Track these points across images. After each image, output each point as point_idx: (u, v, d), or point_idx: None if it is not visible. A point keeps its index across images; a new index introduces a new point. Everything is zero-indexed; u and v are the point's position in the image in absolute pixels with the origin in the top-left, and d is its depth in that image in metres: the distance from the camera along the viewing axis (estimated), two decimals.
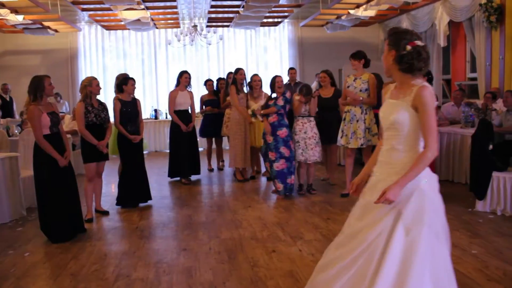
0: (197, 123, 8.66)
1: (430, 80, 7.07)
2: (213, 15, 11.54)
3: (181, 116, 7.71)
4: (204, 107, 8.99)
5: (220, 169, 9.13)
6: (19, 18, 9.91)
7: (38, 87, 4.90)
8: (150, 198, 6.52)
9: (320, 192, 6.74)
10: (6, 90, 11.33)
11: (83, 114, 5.64)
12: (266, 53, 14.24)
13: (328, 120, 7.11)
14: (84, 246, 4.78)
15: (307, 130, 6.77)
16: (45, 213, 4.99)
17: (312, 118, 6.81)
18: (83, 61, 13.25)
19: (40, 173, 4.97)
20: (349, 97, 6.31)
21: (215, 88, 9.16)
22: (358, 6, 10.57)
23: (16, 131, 8.67)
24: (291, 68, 9.93)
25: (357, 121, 6.21)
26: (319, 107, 6.99)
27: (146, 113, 13.03)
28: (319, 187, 7.00)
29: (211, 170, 9.07)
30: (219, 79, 9.45)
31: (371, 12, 10.72)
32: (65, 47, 13.16)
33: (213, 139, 9.12)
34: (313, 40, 14.01)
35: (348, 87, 6.32)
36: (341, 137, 6.38)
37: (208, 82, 9.17)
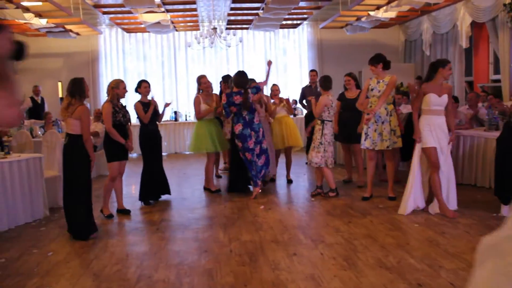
0: (183, 128, 8.58)
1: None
2: (232, 18, 11.57)
3: None
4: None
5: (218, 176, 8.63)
6: (43, 22, 10.08)
7: (81, 88, 5.09)
8: (169, 193, 6.84)
9: (341, 195, 6.69)
10: (38, 92, 11.47)
11: (111, 114, 5.80)
12: (286, 55, 14.22)
13: (353, 120, 7.08)
14: (106, 246, 4.81)
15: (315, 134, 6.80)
16: (88, 213, 5.13)
17: (318, 122, 6.72)
18: (103, 63, 13.41)
19: (85, 172, 5.10)
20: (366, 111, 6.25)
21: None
22: (378, 7, 10.49)
23: (39, 132, 8.80)
24: (312, 70, 9.86)
25: (382, 122, 6.14)
26: (343, 108, 6.98)
27: (165, 115, 13.12)
28: (340, 189, 6.94)
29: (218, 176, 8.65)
30: (221, 81, 8.91)
31: (391, 14, 10.63)
32: (86, 50, 13.34)
33: None
34: (333, 42, 13.95)
35: (372, 90, 6.23)
36: (365, 140, 6.27)
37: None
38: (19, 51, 1.68)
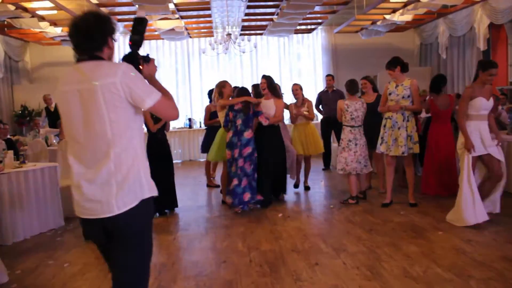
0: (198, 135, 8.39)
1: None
2: (246, 23, 11.51)
3: None
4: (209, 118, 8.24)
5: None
6: (58, 30, 10.12)
7: None
8: (176, 205, 6.55)
9: (361, 202, 6.54)
10: (49, 101, 11.47)
11: None
12: (300, 61, 14.12)
13: (372, 125, 6.93)
14: None
15: None
16: None
17: (342, 127, 6.62)
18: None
19: None
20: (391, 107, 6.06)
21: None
22: (394, 11, 10.36)
23: (54, 141, 8.78)
24: (328, 75, 9.74)
25: (399, 128, 5.98)
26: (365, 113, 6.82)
27: (179, 122, 13.12)
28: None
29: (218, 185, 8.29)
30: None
31: (407, 17, 10.49)
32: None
33: None
34: (347, 46, 13.82)
35: (390, 94, 6.09)
36: (381, 144, 6.16)
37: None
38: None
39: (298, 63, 14.13)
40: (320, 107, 9.59)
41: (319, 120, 12.98)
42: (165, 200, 6.30)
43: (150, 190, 2.31)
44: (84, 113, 2.20)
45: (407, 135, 5.98)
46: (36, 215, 5.61)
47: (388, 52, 13.87)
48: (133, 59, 2.38)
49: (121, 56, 2.44)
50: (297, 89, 7.54)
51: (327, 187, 7.84)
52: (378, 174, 7.20)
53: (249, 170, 6.25)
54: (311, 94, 13.73)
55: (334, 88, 9.54)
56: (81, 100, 2.20)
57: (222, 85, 6.70)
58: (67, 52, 13.14)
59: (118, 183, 2.20)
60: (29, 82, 13.21)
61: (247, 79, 13.25)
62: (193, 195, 7.66)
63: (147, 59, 2.45)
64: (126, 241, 2.29)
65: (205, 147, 8.29)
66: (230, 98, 6.58)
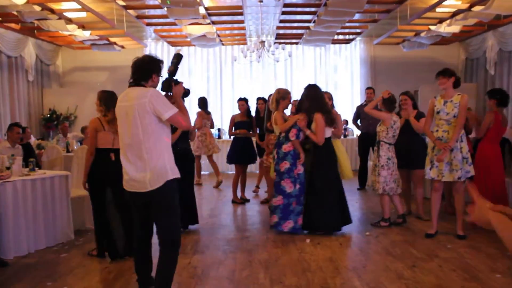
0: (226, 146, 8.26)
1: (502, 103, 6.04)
2: (281, 31, 10.95)
3: None
4: (234, 129, 8.06)
5: (246, 200, 7.93)
6: (86, 33, 9.82)
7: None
8: (196, 222, 5.99)
9: (400, 229, 5.84)
10: None
11: None
12: (336, 73, 13.48)
13: (410, 144, 6.26)
14: (129, 282, 4.19)
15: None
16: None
17: (377, 144, 6.00)
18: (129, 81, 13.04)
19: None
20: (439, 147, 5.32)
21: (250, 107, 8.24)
22: (441, 21, 9.61)
23: (75, 147, 8.42)
24: (368, 88, 9.07)
25: (452, 150, 5.27)
26: (400, 130, 6.13)
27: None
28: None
29: (243, 201, 7.86)
30: (258, 99, 8.46)
31: (455, 28, 9.71)
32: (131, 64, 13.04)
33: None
34: (387, 59, 13.11)
35: (439, 112, 5.36)
36: (431, 169, 5.39)
37: (240, 102, 8.07)
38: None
39: (335, 75, 13.48)
40: (358, 122, 8.91)
41: (355, 136, 12.48)
42: (184, 216, 5.68)
43: (173, 174, 3.35)
44: (128, 122, 3.28)
45: (462, 157, 5.26)
46: (43, 228, 5.15)
47: (430, 66, 13.11)
48: (168, 82, 3.44)
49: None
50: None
51: (362, 210, 7.13)
52: (416, 199, 6.48)
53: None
54: (347, 108, 13.11)
55: None
56: (126, 113, 3.29)
57: (283, 96, 6.02)
58: (98, 57, 12.96)
59: (150, 169, 3.25)
60: (60, 86, 13.05)
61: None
62: (217, 212, 7.11)
63: (176, 82, 3.47)
64: (159, 207, 3.35)
65: (231, 158, 7.91)
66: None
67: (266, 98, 7.83)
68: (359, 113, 8.83)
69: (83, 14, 8.64)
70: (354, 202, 7.65)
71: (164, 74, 3.50)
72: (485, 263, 4.53)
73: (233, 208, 7.49)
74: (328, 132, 5.83)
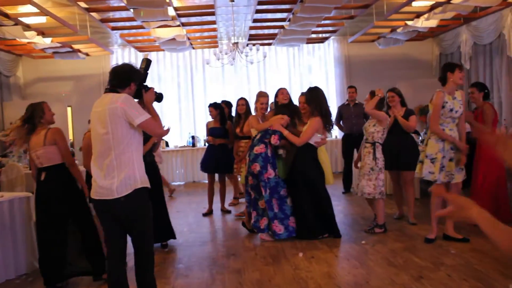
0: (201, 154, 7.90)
1: (487, 96, 5.90)
2: (254, 32, 10.51)
3: None
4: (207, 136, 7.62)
5: (227, 211, 7.47)
6: (47, 41, 9.16)
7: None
8: (174, 237, 5.53)
9: (396, 235, 5.46)
10: None
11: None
12: (311, 73, 13.13)
13: (399, 144, 5.91)
14: None
15: (363, 159, 5.63)
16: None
17: (368, 144, 5.64)
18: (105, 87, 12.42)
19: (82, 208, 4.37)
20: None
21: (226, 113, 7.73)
22: (418, 15, 9.37)
23: None
24: (350, 87, 8.67)
25: (458, 149, 4.96)
26: (389, 130, 5.77)
27: (182, 140, 12.11)
28: (393, 228, 5.73)
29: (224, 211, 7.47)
30: (238, 100, 7.37)
31: (432, 22, 9.47)
32: (98, 72, 12.42)
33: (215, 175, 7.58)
34: (361, 57, 12.84)
35: (451, 110, 4.90)
36: (440, 172, 4.95)
37: (209, 108, 7.48)
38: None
39: (310, 75, 13.12)
40: (341, 122, 8.53)
41: (337, 137, 12.13)
42: (158, 233, 5.09)
43: (142, 183, 3.19)
44: (99, 128, 3.16)
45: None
46: (2, 258, 4.54)
47: (405, 63, 12.97)
48: (139, 89, 3.33)
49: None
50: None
51: (351, 216, 6.73)
52: (407, 201, 6.12)
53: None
54: None
55: (356, 102, 8.50)
56: (99, 119, 3.17)
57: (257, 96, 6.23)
58: (61, 66, 12.25)
59: (118, 176, 3.09)
60: (21, 98, 12.26)
61: (254, 93, 12.23)
62: (197, 227, 6.59)
63: (147, 88, 3.36)
64: (127, 217, 3.19)
65: (202, 166, 7.47)
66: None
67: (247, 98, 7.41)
68: (341, 114, 8.47)
69: (42, 19, 8.01)
70: (335, 206, 7.26)
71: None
72: (496, 268, 4.17)
73: (213, 221, 6.97)
74: (316, 138, 5.47)
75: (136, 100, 3.30)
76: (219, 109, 7.37)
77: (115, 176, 3.09)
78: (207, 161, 7.40)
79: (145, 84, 3.37)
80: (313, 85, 5.96)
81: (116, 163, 3.10)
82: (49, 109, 4.24)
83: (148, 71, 3.46)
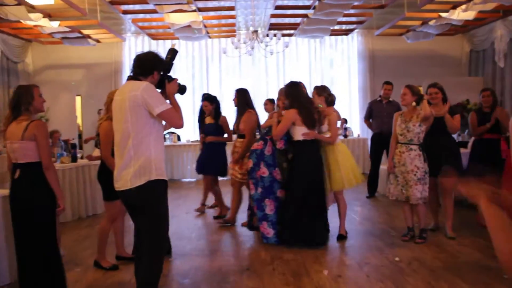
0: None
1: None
2: (274, 20, 9.81)
3: None
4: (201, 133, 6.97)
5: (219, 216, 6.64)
6: (54, 24, 8.61)
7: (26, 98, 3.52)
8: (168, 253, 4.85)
9: (435, 250, 4.77)
10: None
11: (112, 136, 4.15)
12: (333, 68, 12.44)
13: (440, 147, 5.20)
14: None
15: (405, 162, 4.94)
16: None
17: (414, 147, 4.96)
18: (128, 75, 11.85)
19: (48, 218, 3.53)
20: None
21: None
22: (454, 6, 8.60)
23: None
24: (386, 83, 7.84)
25: None
26: (428, 130, 5.08)
27: (195, 134, 11.50)
28: (430, 242, 5.05)
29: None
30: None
31: (470, 14, 8.71)
32: (109, 61, 11.89)
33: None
34: (387, 52, 12.11)
35: None
36: None
37: (204, 102, 6.68)
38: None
39: (331, 70, 12.46)
40: (371, 120, 7.81)
41: (360, 136, 11.43)
42: None
43: (158, 174, 3.13)
44: (120, 116, 3.16)
45: None
46: None
47: (432, 60, 12.14)
48: (162, 79, 3.28)
49: (132, 61, 3.35)
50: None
51: (379, 225, 6.02)
52: (445, 211, 5.41)
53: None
54: (345, 105, 12.08)
55: (390, 99, 7.76)
56: (120, 107, 3.18)
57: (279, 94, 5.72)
58: (71, 53, 11.69)
59: (134, 166, 3.07)
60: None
61: (272, 87, 11.59)
62: (206, 232, 5.97)
63: (170, 79, 3.31)
64: (140, 209, 3.18)
65: (197, 168, 6.76)
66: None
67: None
68: (372, 110, 7.74)
69: (49, 0, 7.46)
70: (367, 215, 6.59)
71: None
72: None
73: (218, 227, 6.17)
74: (301, 131, 5.08)
75: (158, 90, 3.23)
76: (215, 102, 6.60)
77: (131, 166, 3.05)
78: (202, 162, 6.72)
79: (169, 74, 3.29)
80: (295, 80, 5.52)
81: (133, 152, 3.05)
82: (40, 95, 3.61)
83: (173, 62, 3.38)
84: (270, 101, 6.55)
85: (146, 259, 3.17)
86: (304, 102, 5.15)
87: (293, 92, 5.22)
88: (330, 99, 5.44)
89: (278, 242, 5.10)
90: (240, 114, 5.97)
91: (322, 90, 5.45)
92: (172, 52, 3.39)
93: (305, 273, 4.22)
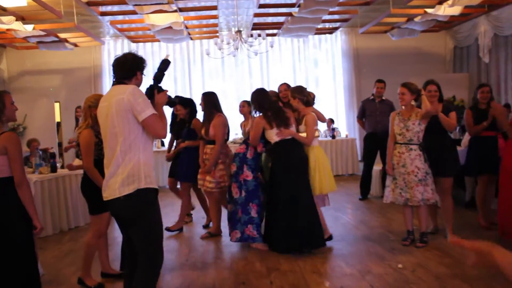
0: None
1: None
2: (257, 20, 9.56)
3: None
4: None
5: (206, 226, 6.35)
6: (28, 28, 8.22)
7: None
8: None
9: (438, 255, 4.57)
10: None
11: (94, 145, 3.97)
12: (317, 67, 12.24)
13: (437, 146, 5.00)
14: None
15: (406, 163, 4.73)
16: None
17: (414, 147, 4.76)
18: (108, 80, 11.49)
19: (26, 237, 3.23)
20: None
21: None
22: (441, 2, 8.46)
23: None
24: (378, 81, 7.61)
25: None
26: (426, 129, 4.88)
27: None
28: (431, 246, 4.85)
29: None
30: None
31: (456, 10, 8.58)
32: (88, 65, 11.52)
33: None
34: (371, 50, 11.99)
35: None
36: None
37: (178, 106, 6.22)
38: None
39: (316, 70, 12.25)
40: (363, 119, 7.59)
41: (348, 136, 11.23)
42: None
43: (147, 183, 2.94)
44: (106, 122, 2.98)
45: None
46: None
47: (417, 57, 12.03)
48: (152, 89, 3.16)
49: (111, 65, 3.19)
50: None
51: (376, 230, 5.79)
52: (444, 212, 5.21)
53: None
54: (331, 105, 11.91)
55: (383, 98, 7.55)
56: (106, 114, 2.98)
57: None
58: (49, 58, 11.28)
59: (122, 173, 2.89)
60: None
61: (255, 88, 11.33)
62: (197, 243, 5.69)
63: (160, 90, 3.17)
64: (130, 220, 2.98)
65: (181, 174, 6.17)
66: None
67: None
68: (365, 110, 7.52)
69: (21, 2, 7.07)
70: (362, 218, 6.37)
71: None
72: None
73: (206, 238, 5.79)
74: (272, 134, 5.03)
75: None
76: (189, 106, 6.17)
77: (119, 174, 2.90)
78: (176, 168, 6.34)
79: (159, 85, 3.20)
80: (283, 81, 5.85)
81: (121, 159, 2.90)
82: (12, 102, 3.29)
83: (165, 72, 3.29)
84: (247, 103, 6.15)
85: (140, 275, 2.95)
86: (268, 107, 5.08)
87: (257, 98, 5.19)
88: (306, 100, 5.24)
89: (262, 241, 5.13)
90: (208, 118, 5.61)
91: (296, 92, 5.25)
92: (165, 63, 3.29)
93: (304, 286, 3.96)
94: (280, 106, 5.24)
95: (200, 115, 6.07)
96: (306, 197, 4.90)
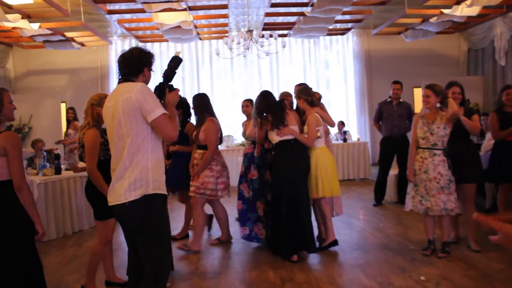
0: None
1: None
2: (267, 20, 9.34)
3: None
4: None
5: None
6: (34, 26, 8.05)
7: None
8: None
9: (462, 267, 4.31)
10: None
11: (98, 146, 3.77)
12: (328, 69, 12.01)
13: (460, 151, 4.74)
14: None
15: (428, 169, 4.48)
16: None
17: (438, 152, 4.51)
18: (115, 80, 11.31)
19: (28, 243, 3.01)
20: None
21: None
22: (458, 2, 8.20)
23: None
24: (395, 82, 7.33)
25: None
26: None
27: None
28: (454, 256, 4.59)
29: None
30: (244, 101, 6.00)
31: (474, 10, 8.32)
32: (95, 65, 11.38)
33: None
34: (383, 52, 11.79)
35: None
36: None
37: None
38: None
39: (326, 71, 12.03)
40: (380, 122, 7.32)
41: (359, 140, 10.94)
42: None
43: (155, 188, 2.73)
44: (113, 123, 2.77)
45: None
46: None
47: (429, 59, 11.75)
48: (162, 87, 2.96)
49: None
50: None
51: (394, 238, 5.52)
52: (467, 221, 4.95)
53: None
54: (341, 107, 11.69)
55: (401, 100, 7.27)
56: (113, 114, 2.77)
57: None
58: (55, 57, 11.13)
59: (129, 178, 2.69)
60: (12, 92, 10.94)
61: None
62: (207, 249, 5.46)
63: (171, 88, 2.98)
64: (137, 228, 2.76)
65: (173, 181, 5.32)
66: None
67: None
68: (382, 112, 7.23)
69: (27, 0, 6.92)
70: (378, 225, 6.12)
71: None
72: None
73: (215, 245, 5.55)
74: (273, 135, 4.93)
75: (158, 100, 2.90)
76: (183, 107, 5.50)
77: (126, 178, 2.70)
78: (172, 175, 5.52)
79: (170, 83, 3.00)
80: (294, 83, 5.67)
81: (128, 162, 2.70)
82: (10, 101, 3.08)
83: (176, 70, 3.08)
84: (250, 102, 5.84)
85: (146, 285, 2.76)
86: (266, 110, 4.98)
87: (256, 101, 5.10)
88: (310, 100, 4.99)
89: (267, 245, 5.14)
90: (199, 122, 5.27)
91: (300, 92, 5.01)
92: (176, 60, 3.07)
93: None
94: (283, 106, 5.02)
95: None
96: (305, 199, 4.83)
